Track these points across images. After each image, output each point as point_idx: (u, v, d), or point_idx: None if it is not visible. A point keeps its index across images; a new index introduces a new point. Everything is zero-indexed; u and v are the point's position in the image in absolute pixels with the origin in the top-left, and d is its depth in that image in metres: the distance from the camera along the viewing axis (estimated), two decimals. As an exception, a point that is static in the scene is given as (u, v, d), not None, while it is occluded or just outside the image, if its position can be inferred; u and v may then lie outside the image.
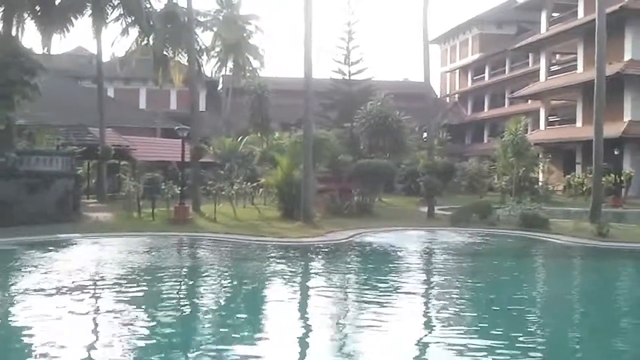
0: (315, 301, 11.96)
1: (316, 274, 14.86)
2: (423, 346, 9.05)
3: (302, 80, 22.94)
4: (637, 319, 10.99)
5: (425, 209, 25.78)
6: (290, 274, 14.51)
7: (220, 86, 58.55)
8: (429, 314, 11.15)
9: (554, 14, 50.46)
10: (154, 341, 8.78)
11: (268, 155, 30.86)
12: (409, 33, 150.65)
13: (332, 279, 13.85)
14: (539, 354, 8.61)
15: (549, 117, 49.61)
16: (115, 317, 9.79)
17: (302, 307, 11.61)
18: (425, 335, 9.64)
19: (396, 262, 16.42)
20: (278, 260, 16.10)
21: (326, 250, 17.45)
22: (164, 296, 11.67)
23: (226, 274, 14.14)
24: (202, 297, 11.95)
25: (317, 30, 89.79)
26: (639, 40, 39.90)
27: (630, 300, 12.78)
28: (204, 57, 45.69)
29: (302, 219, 21.35)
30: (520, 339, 9.14)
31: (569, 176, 39.80)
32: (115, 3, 32.13)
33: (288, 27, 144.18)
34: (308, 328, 10.03)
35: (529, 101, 53.65)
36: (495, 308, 11.41)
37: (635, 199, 34.56)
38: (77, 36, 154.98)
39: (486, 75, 65.08)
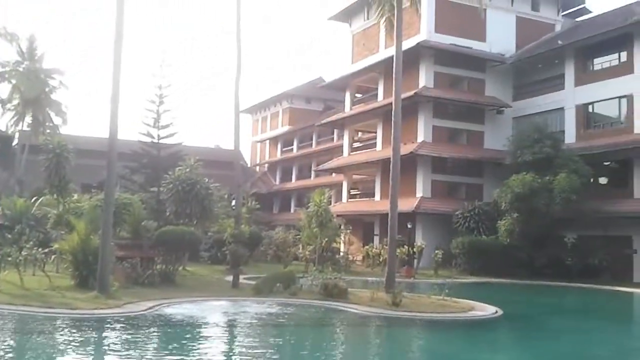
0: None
1: (107, 349, 13.78)
2: None
3: (106, 141, 21.87)
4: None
5: (230, 278, 25.50)
6: (76, 349, 13.31)
7: (15, 142, 54.29)
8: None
9: (357, 95, 54.25)
10: None
11: (64, 218, 28.75)
12: (221, 101, 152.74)
13: (123, 354, 12.91)
14: None
15: (351, 190, 52.44)
16: None
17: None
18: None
19: (194, 336, 15.84)
20: (65, 335, 14.76)
21: (121, 323, 16.33)
22: None
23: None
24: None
25: (126, 90, 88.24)
26: (430, 123, 44.11)
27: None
28: (-1, 109, 42.50)
29: (98, 288, 19.91)
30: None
31: (367, 247, 42.04)
32: None
33: (96, 85, 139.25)
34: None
35: (333, 174, 56.42)
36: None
37: (425, 270, 37.18)
38: None
39: (295, 147, 67.60)
